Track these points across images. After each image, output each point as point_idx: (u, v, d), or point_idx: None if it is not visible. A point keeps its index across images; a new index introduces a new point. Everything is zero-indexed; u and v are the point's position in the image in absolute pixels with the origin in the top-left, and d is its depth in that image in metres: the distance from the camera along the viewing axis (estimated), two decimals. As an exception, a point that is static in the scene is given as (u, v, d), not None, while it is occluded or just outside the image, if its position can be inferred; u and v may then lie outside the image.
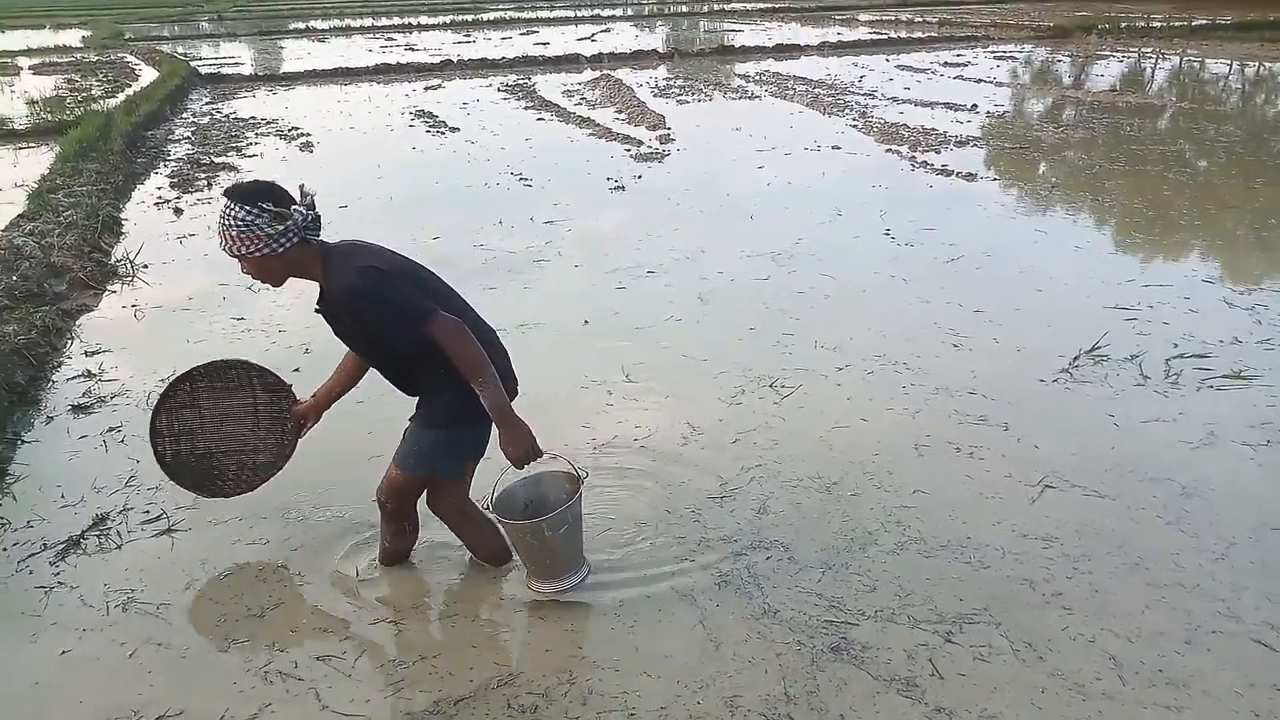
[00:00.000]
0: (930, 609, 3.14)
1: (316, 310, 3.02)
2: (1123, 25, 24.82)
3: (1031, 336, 5.35)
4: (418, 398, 3.17)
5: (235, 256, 2.84)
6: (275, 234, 2.77)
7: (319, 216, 2.90)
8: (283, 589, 3.38)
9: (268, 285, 3.02)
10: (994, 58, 19.81)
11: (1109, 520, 3.62)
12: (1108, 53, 20.50)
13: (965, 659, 2.92)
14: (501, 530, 3.28)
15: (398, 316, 2.83)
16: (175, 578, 3.42)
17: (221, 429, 3.51)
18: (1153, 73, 17.94)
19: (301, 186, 2.91)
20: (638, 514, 3.75)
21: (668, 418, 4.52)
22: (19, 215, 7.85)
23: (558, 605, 3.24)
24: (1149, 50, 20.80)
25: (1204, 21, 24.98)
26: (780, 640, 3.02)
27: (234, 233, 2.78)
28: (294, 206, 2.83)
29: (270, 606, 3.28)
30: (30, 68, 21.79)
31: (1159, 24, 25.07)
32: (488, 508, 3.24)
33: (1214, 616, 3.09)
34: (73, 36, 31.63)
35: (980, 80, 16.28)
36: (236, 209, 2.77)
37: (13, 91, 17.25)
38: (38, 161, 10.61)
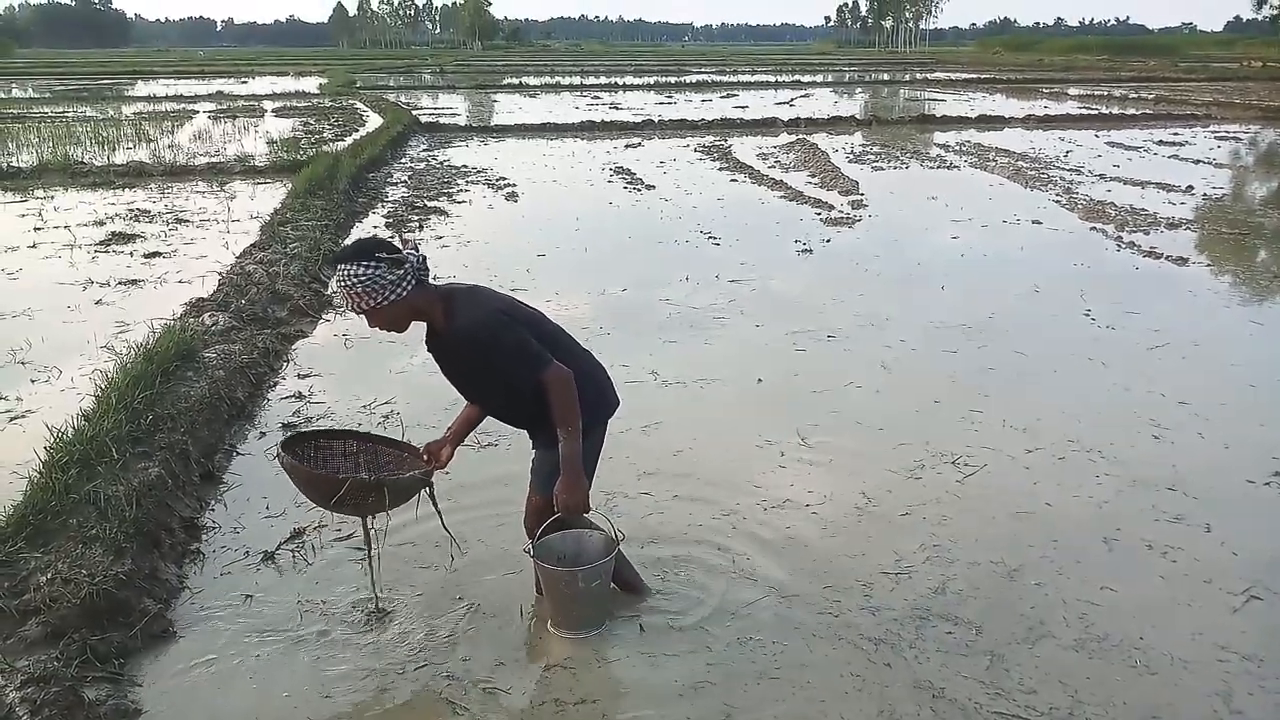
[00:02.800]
0: (1107, 713, 2.96)
1: (429, 349, 3.19)
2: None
3: (1241, 434, 4.99)
4: (526, 428, 3.33)
5: (365, 311, 2.99)
6: (397, 279, 2.94)
7: (426, 258, 3.08)
8: (461, 618, 3.52)
9: (394, 334, 3.15)
10: (1215, 137, 18.74)
11: (1321, 641, 3.32)
12: (1349, 137, 19.02)
13: (1147, 772, 2.74)
14: (538, 574, 3.39)
15: (520, 360, 3.02)
16: (360, 595, 3.62)
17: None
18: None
19: (399, 234, 3.10)
20: (804, 582, 3.71)
21: (841, 486, 4.47)
22: (252, 244, 8.64)
23: (719, 668, 3.25)
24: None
25: None
26: (948, 725, 2.93)
27: (360, 289, 2.93)
28: (406, 252, 3.01)
29: (446, 633, 3.42)
30: (273, 110, 23.98)
31: None
32: (527, 551, 3.34)
33: None
34: (311, 83, 34.54)
35: (1198, 160, 15.42)
36: (355, 267, 2.92)
37: (257, 132, 18.97)
38: (272, 196, 11.62)
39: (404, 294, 2.97)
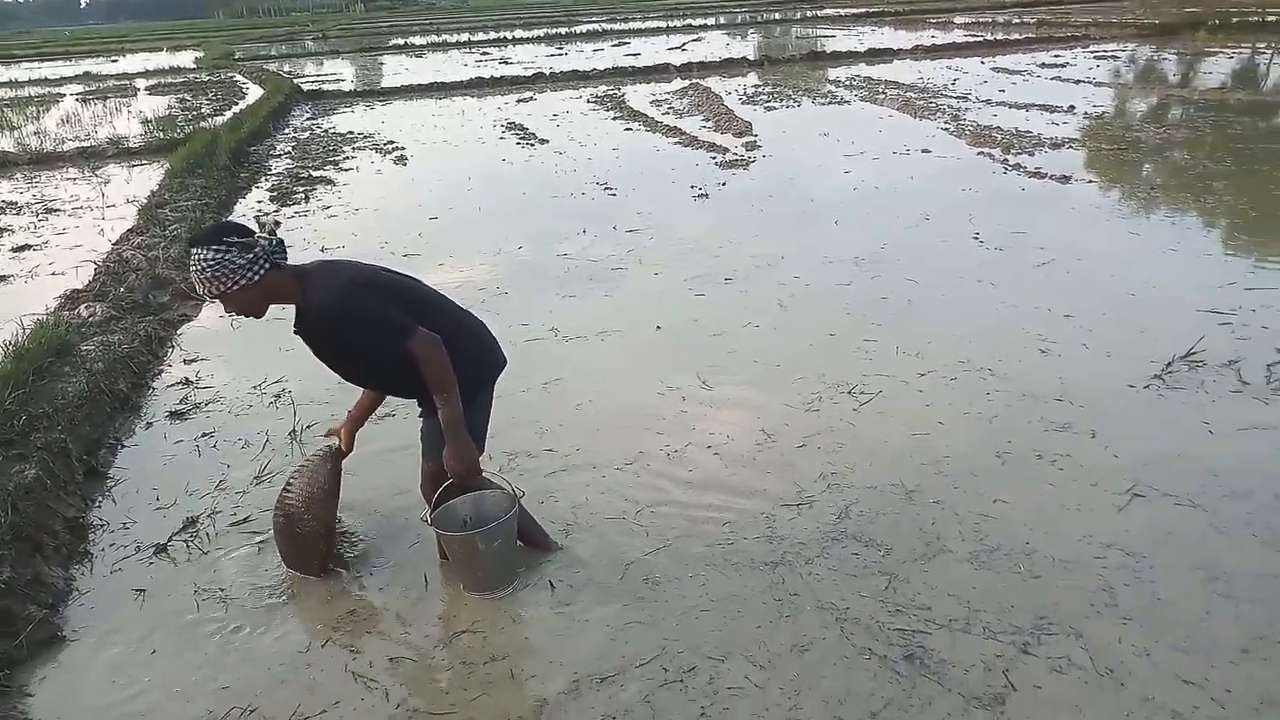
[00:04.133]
0: (1000, 619, 3.07)
1: (295, 332, 3.10)
2: (1234, 20, 23.79)
3: (1123, 342, 5.16)
4: (414, 398, 3.27)
5: (216, 297, 2.92)
6: (247, 264, 2.88)
7: (282, 241, 3.02)
8: (362, 593, 3.47)
9: (252, 318, 3.07)
10: (1094, 57, 19.20)
11: (1195, 532, 3.47)
12: (1217, 49, 19.67)
13: (1042, 671, 2.84)
14: (440, 541, 3.37)
15: (380, 332, 2.96)
16: (258, 579, 3.55)
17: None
18: (1267, 69, 17.14)
19: (257, 218, 3.04)
20: (708, 520, 3.74)
21: (742, 425, 4.50)
22: (129, 230, 8.27)
23: (644, 609, 3.27)
24: (1264, 45, 19.90)
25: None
26: (860, 644, 3.00)
27: (209, 274, 2.86)
28: (257, 235, 2.94)
29: (349, 610, 3.37)
30: (146, 89, 22.94)
31: (1275, 18, 23.93)
32: (425, 519, 3.30)
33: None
34: (186, 58, 33.12)
35: (1079, 81, 15.79)
36: (205, 252, 2.86)
37: (130, 112, 18.14)
38: (149, 178, 11.14)
39: (256, 278, 2.91)
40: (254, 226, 2.99)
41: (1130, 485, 3.79)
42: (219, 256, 2.85)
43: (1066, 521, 3.58)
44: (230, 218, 9.27)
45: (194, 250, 2.90)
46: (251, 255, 2.89)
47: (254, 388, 5.22)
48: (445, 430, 3.04)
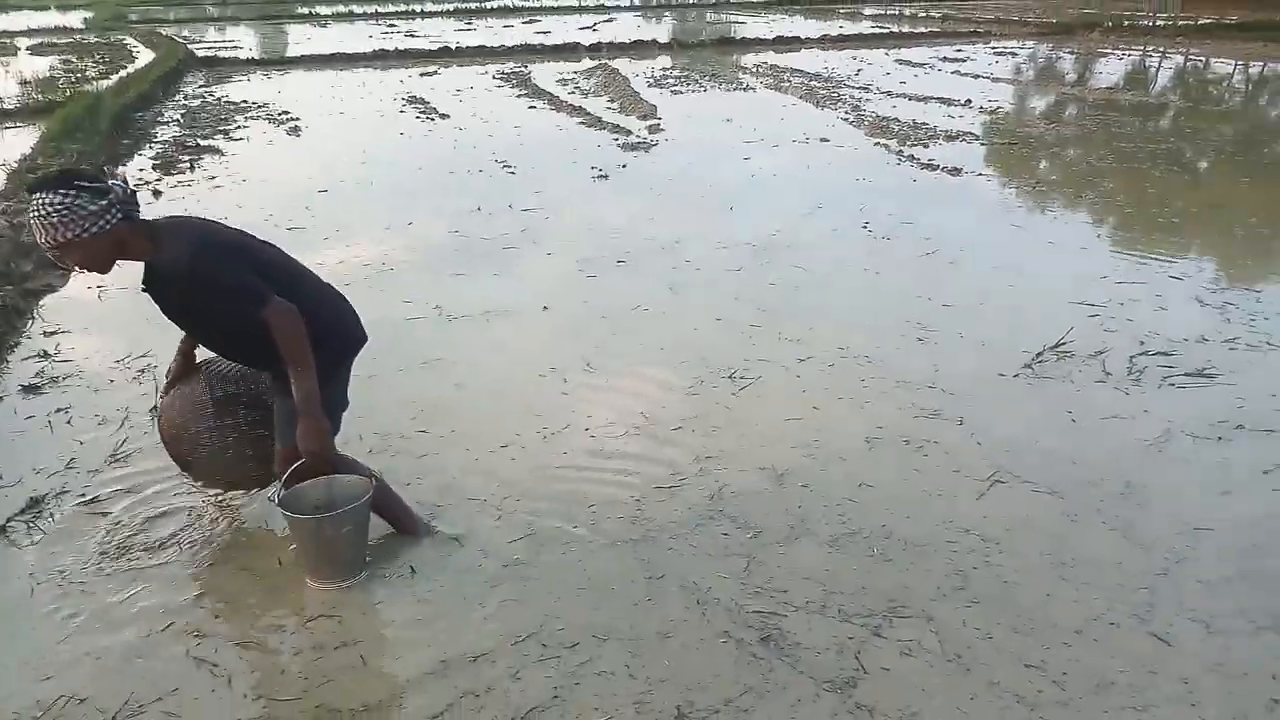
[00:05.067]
0: (853, 601, 3.10)
1: (143, 289, 2.96)
2: (1126, 23, 24.66)
3: (997, 331, 5.29)
4: (265, 370, 3.16)
5: (60, 244, 2.70)
6: (99, 211, 2.70)
7: (135, 192, 2.87)
8: (212, 577, 3.33)
9: (95, 273, 2.93)
10: (994, 53, 19.69)
11: (1049, 519, 3.57)
12: (1109, 50, 20.34)
13: (893, 654, 2.88)
14: (286, 524, 3.24)
15: (232, 297, 2.83)
16: (103, 564, 3.37)
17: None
18: (1156, 71, 17.79)
19: (106, 167, 2.89)
20: (580, 502, 3.71)
21: (621, 407, 4.48)
22: (-6, 194, 7.82)
23: (507, 585, 3.22)
24: (1153, 48, 20.66)
25: (1209, 20, 24.76)
26: (719, 627, 3.00)
27: (54, 219, 2.65)
28: (111, 183, 2.78)
29: (196, 595, 3.23)
30: (28, 48, 21.77)
31: (1163, 22, 24.86)
32: (271, 499, 3.17)
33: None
34: (75, 18, 31.51)
35: (978, 76, 16.18)
36: (51, 196, 2.67)
37: (7, 71, 17.21)
38: (24, 142, 10.54)
39: (107, 227, 2.72)
40: (106, 173, 2.84)
41: (992, 472, 3.87)
42: (68, 201, 2.66)
43: (928, 506, 3.65)
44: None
45: (37, 195, 2.68)
46: (105, 202, 2.72)
47: (117, 361, 4.99)
48: (299, 406, 2.93)
